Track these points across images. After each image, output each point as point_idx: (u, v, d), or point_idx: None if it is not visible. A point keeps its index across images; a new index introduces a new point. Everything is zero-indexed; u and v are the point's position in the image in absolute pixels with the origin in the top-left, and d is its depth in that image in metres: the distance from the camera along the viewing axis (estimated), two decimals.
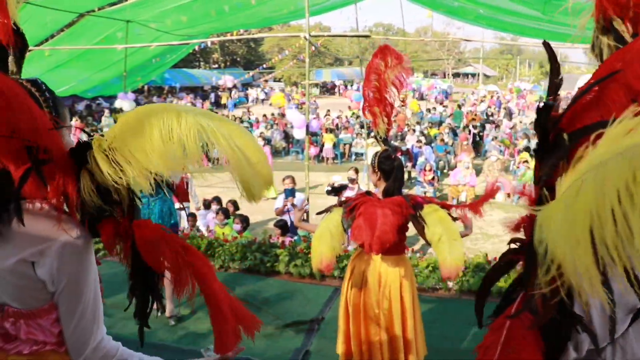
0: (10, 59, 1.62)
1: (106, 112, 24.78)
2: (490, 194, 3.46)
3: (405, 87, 4.13)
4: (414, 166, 14.64)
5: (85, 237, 1.56)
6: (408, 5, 14.43)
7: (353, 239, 3.60)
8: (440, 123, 22.10)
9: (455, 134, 18.52)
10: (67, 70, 17.55)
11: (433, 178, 13.20)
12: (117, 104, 14.97)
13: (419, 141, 16.51)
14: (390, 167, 3.70)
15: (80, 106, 26.76)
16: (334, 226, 3.62)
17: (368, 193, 3.81)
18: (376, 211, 3.46)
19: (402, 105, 25.26)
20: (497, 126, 20.00)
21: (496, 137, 17.72)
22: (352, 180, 8.63)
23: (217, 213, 8.17)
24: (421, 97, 34.53)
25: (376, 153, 3.77)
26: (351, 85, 48.44)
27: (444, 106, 31.80)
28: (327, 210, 3.88)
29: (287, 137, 19.42)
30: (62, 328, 1.59)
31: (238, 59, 55.59)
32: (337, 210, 3.69)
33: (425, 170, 13.29)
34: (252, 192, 1.62)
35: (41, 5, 12.78)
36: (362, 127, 19.08)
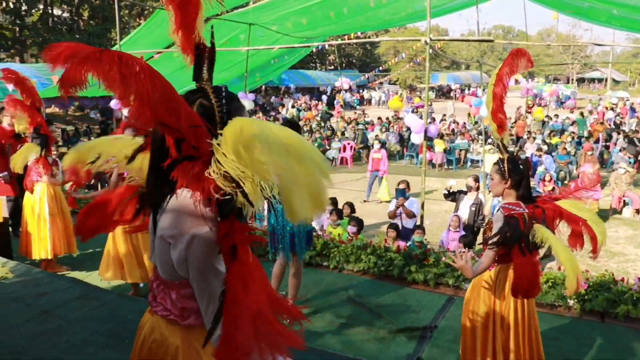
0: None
1: None
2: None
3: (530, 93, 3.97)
4: (532, 176, 14.03)
5: (217, 232, 1.63)
6: (531, 6, 13.86)
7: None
8: (562, 131, 21.03)
9: (579, 143, 17.54)
10: (192, 71, 18.44)
11: (553, 189, 12.57)
12: None
13: (538, 149, 15.80)
14: (522, 173, 3.57)
15: None
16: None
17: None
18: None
19: (528, 112, 24.34)
20: (627, 136, 18.69)
21: (624, 148, 16.59)
22: (470, 188, 8.40)
23: (330, 213, 8.25)
24: (541, 104, 33.04)
25: (504, 159, 3.63)
26: (468, 90, 47.35)
27: (571, 111, 30.24)
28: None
29: (401, 140, 19.28)
30: (189, 305, 1.76)
31: (354, 61, 55.97)
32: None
33: (544, 180, 12.68)
34: (295, 211, 1.53)
35: None
36: (480, 133, 18.58)
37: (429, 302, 5.66)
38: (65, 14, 34.11)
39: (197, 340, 1.77)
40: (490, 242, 3.43)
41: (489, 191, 3.82)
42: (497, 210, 3.56)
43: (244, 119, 1.58)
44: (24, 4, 29.58)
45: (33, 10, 30.65)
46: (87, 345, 3.99)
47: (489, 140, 14.62)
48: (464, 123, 23.66)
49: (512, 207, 3.48)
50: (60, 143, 19.55)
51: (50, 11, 31.71)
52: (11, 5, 29.21)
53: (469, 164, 17.70)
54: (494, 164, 3.68)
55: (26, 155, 6.38)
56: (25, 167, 6.30)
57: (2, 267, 5.38)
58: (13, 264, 5.68)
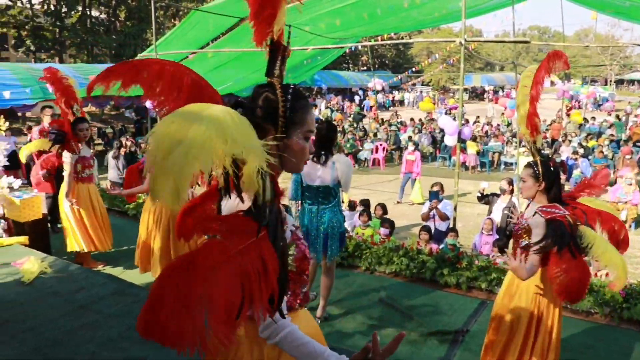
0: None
1: None
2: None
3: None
4: (567, 179, 13.80)
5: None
6: (569, 6, 13.61)
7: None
8: (599, 134, 20.62)
9: (617, 147, 17.17)
10: (226, 71, 18.60)
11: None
12: None
13: (574, 153, 15.54)
14: (554, 176, 3.55)
15: None
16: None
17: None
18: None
19: (567, 114, 23.93)
20: None
21: None
22: (504, 191, 8.30)
23: (361, 214, 8.25)
24: (579, 106, 32.45)
25: (537, 162, 3.59)
26: (502, 91, 46.79)
27: (609, 114, 29.60)
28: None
29: (434, 142, 19.15)
30: None
31: (387, 62, 55.80)
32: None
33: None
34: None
35: (209, 12, 13.66)
36: (514, 135, 18.32)
37: (461, 306, 5.61)
38: (103, 15, 34.76)
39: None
40: (538, 246, 3.40)
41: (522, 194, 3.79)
42: (534, 214, 3.52)
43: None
44: (64, 5, 30.24)
45: (72, 12, 31.30)
46: (122, 340, 4.06)
47: (523, 143, 14.42)
48: (498, 125, 23.38)
49: (551, 210, 3.44)
50: (98, 142, 19.94)
51: (88, 12, 32.33)
52: (52, 7, 29.88)
53: (502, 166, 17.48)
54: (526, 166, 3.65)
55: (31, 148, 6.89)
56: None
57: (41, 262, 5.50)
58: (52, 260, 5.82)
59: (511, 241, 3.93)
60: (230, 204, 1.71)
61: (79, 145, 6.30)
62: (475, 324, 5.21)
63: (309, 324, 2.05)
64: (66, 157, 6.23)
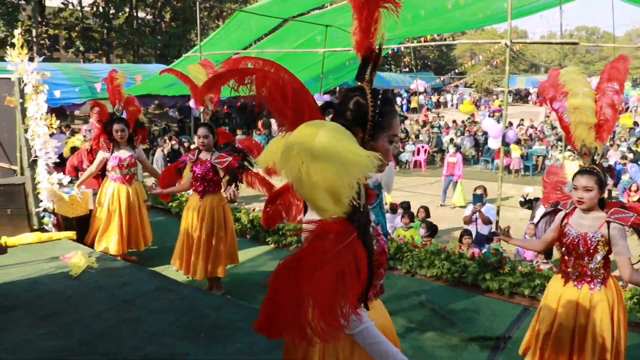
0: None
1: None
2: None
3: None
4: (615, 185, 13.43)
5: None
6: (620, 5, 13.24)
7: None
8: None
9: None
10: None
11: (639, 200, 11.97)
12: None
13: (623, 157, 15.12)
14: (606, 182, 3.48)
15: None
16: None
17: None
18: None
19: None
20: None
21: None
22: None
23: (402, 216, 8.20)
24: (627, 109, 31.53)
25: (602, 170, 3.49)
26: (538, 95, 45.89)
27: None
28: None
29: (477, 144, 18.89)
30: None
31: (429, 63, 55.37)
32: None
33: (629, 190, 12.10)
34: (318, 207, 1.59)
35: (252, 13, 13.78)
36: (559, 139, 17.95)
37: (503, 312, 5.52)
38: (149, 17, 35.45)
39: None
40: None
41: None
42: (609, 224, 3.43)
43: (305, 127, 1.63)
44: (112, 7, 30.98)
45: (120, 14, 32.03)
46: (164, 336, 4.13)
47: (569, 147, 14.09)
48: (542, 128, 22.93)
49: (624, 215, 3.39)
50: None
51: (135, 14, 33.03)
52: (101, 9, 30.65)
53: (546, 170, 17.14)
54: (588, 173, 3.48)
55: (70, 144, 7.00)
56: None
57: (88, 257, 5.64)
58: (98, 254, 5.96)
59: (555, 251, 3.89)
60: None
61: (110, 144, 6.37)
62: (517, 330, 5.12)
63: (383, 315, 2.15)
64: (98, 155, 6.45)
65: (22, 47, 6.48)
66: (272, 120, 22.67)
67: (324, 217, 1.61)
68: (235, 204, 8.45)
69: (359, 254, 1.60)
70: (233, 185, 5.31)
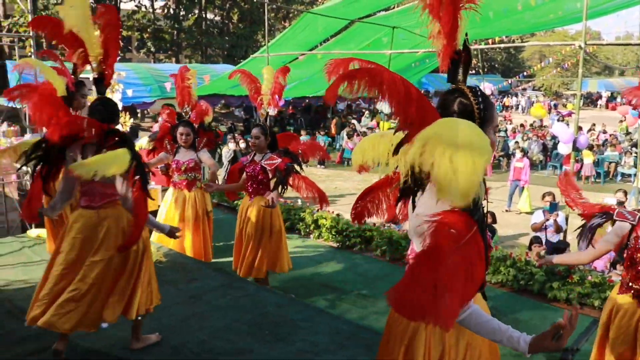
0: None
1: (366, 112, 26.05)
2: None
3: None
4: None
5: None
6: None
7: None
8: None
9: None
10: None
11: None
12: (379, 106, 15.61)
13: None
14: None
15: (342, 106, 28.53)
16: None
17: None
18: None
19: None
20: None
21: None
22: (621, 204, 7.85)
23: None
24: None
25: None
26: (622, 97, 44.10)
27: None
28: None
29: (544, 149, 18.37)
30: None
31: (496, 66, 54.23)
32: None
33: None
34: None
35: (320, 14, 13.87)
36: (634, 145, 17.26)
37: None
38: (217, 18, 36.23)
39: None
40: None
41: None
42: None
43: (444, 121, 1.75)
44: (182, 9, 31.84)
45: (189, 15, 32.88)
46: (229, 332, 4.22)
47: None
48: (614, 133, 22.08)
49: None
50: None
51: (204, 15, 33.82)
52: (171, 11, 31.56)
53: (619, 177, 16.49)
54: None
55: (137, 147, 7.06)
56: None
57: (157, 252, 5.82)
58: (166, 249, 6.12)
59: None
60: (428, 199, 1.96)
61: (174, 147, 6.18)
62: (586, 342, 4.95)
63: (481, 302, 2.22)
64: (160, 154, 6.34)
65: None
66: (354, 121, 22.73)
67: (456, 206, 1.68)
68: (300, 203, 8.54)
69: (481, 246, 1.70)
70: (279, 189, 5.26)
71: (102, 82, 3.69)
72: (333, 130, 21.54)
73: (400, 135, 1.97)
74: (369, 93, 1.81)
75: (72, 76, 4.32)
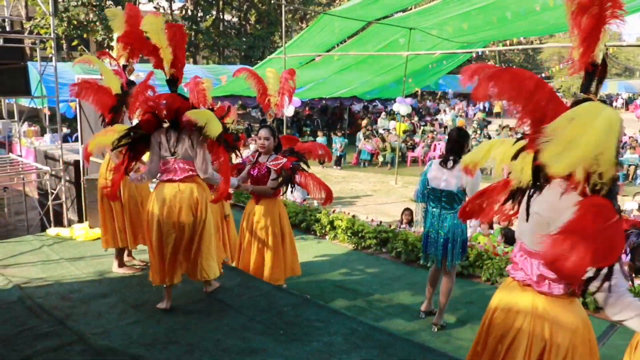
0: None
1: (382, 114, 26.00)
2: None
3: None
4: None
5: None
6: None
7: None
8: None
9: None
10: (350, 73, 18.84)
11: None
12: (395, 107, 15.59)
13: None
14: None
15: (357, 107, 28.49)
16: None
17: None
18: None
19: None
20: None
21: None
22: None
23: (482, 222, 8.05)
24: None
25: None
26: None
27: None
28: None
29: None
30: (545, 274, 2.27)
31: (514, 67, 53.83)
32: None
33: None
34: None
35: (337, 15, 13.88)
36: None
37: None
38: (235, 19, 36.37)
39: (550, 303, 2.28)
40: None
41: None
42: None
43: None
44: (200, 10, 32.03)
45: (207, 16, 33.06)
46: (244, 331, 4.25)
47: None
48: (634, 136, 21.79)
49: None
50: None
51: (221, 16, 33.99)
52: (189, 12, 31.77)
53: (638, 180, 16.31)
54: None
55: None
56: None
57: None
58: None
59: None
60: (550, 197, 2.18)
61: None
62: (602, 347, 4.92)
63: None
64: None
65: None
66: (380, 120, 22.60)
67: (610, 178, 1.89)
68: (316, 204, 8.57)
69: (622, 230, 1.89)
70: (284, 188, 5.25)
71: (172, 82, 4.50)
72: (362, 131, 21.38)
73: (522, 143, 2.18)
74: (511, 95, 1.94)
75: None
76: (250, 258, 5.41)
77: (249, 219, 5.40)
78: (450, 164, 4.89)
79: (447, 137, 5.74)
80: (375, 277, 6.59)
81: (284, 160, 5.18)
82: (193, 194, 4.39)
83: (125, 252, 5.75)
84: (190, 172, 4.41)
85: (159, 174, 4.48)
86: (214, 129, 4.11)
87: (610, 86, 46.57)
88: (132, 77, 6.93)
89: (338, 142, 17.78)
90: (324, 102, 23.40)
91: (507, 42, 16.93)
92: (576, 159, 1.79)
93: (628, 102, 46.02)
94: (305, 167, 5.35)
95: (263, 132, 5.29)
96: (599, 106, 1.87)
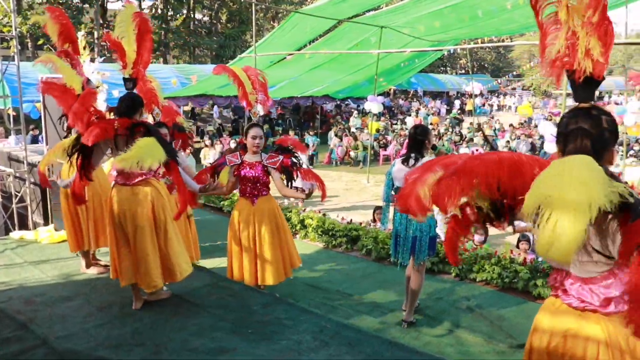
0: None
1: (354, 112, 26.07)
2: None
3: None
4: None
5: None
6: None
7: None
8: None
9: None
10: (322, 72, 18.83)
11: None
12: (367, 106, 15.60)
13: None
14: None
15: (330, 106, 28.52)
16: None
17: None
18: None
19: None
20: None
21: None
22: None
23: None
24: None
25: None
26: (609, 97, 44.39)
27: None
28: None
29: (533, 149, 18.45)
30: (609, 295, 2.11)
31: (486, 65, 54.44)
32: None
33: None
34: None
35: (308, 14, 13.85)
36: (620, 144, 17.35)
37: None
38: (205, 18, 36.14)
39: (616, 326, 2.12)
40: None
41: None
42: None
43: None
44: (170, 9, 31.74)
45: (177, 15, 32.77)
46: (213, 330, 4.20)
47: (631, 152, 13.62)
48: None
49: None
50: (197, 139, 20.68)
51: (192, 15, 33.73)
52: (159, 11, 31.46)
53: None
54: None
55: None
56: None
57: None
58: None
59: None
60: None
61: None
62: None
63: None
64: None
65: (84, 48, 6.68)
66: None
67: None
68: (286, 203, 8.53)
69: None
70: (289, 184, 5.21)
71: (129, 80, 4.39)
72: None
73: None
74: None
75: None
76: (258, 261, 5.22)
77: (250, 220, 5.19)
78: (411, 162, 4.89)
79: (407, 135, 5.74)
80: (345, 275, 6.58)
81: (281, 157, 5.10)
82: (147, 198, 4.34)
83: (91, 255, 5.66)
84: (145, 176, 4.38)
85: (115, 174, 4.45)
86: (153, 159, 3.73)
87: None
88: (97, 76, 6.85)
89: (310, 141, 17.76)
90: (295, 101, 23.37)
91: (479, 41, 17.10)
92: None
93: (597, 99, 46.77)
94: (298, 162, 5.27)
95: (256, 131, 5.12)
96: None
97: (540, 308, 2.37)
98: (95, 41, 27.71)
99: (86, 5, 27.84)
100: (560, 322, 2.26)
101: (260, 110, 5.91)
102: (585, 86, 2.10)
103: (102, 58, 7.41)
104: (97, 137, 3.91)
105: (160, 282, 4.46)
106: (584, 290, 2.17)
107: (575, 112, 2.11)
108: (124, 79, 4.40)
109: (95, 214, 5.43)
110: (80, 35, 6.78)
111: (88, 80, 5.09)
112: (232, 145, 15.74)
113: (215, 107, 25.67)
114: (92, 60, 6.91)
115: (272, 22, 37.06)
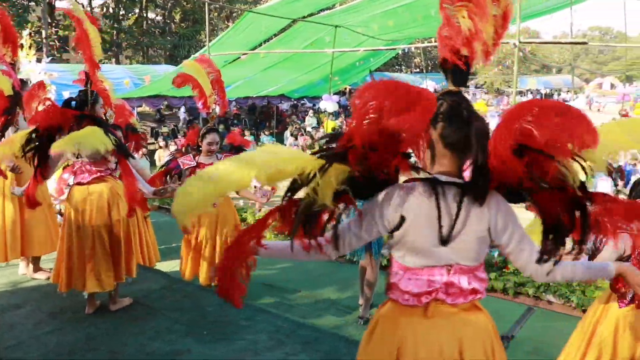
0: None
1: (310, 112, 26.11)
2: None
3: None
4: (625, 186, 13.39)
5: None
6: (634, 4, 13.13)
7: None
8: None
9: None
10: (277, 71, 18.80)
11: None
12: (322, 105, 15.66)
13: (634, 158, 15.04)
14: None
15: (285, 106, 28.49)
16: None
17: None
18: None
19: (624, 117, 23.26)
20: None
21: None
22: None
23: None
24: None
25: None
26: (558, 95, 45.63)
27: None
28: None
29: None
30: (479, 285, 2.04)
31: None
32: None
33: None
34: None
35: (262, 13, 13.81)
36: None
37: (507, 312, 5.50)
38: (158, 18, 35.64)
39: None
40: None
41: None
42: None
43: None
44: (122, 8, 31.17)
45: (130, 15, 32.22)
46: (169, 333, 4.17)
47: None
48: None
49: None
50: (151, 141, 20.38)
51: (144, 15, 33.21)
52: (111, 10, 30.86)
53: None
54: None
55: None
56: None
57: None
58: None
59: None
60: None
61: None
62: (521, 330, 5.11)
63: None
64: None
65: (29, 47, 6.52)
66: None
67: None
68: (242, 204, 8.50)
69: None
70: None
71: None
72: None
73: None
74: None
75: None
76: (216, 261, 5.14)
77: (206, 221, 5.17)
78: None
79: None
80: (302, 274, 6.59)
81: None
82: (102, 196, 4.32)
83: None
84: (99, 174, 4.34)
85: (71, 178, 4.44)
86: (94, 142, 3.84)
87: (529, 82, 48.54)
88: (44, 77, 6.67)
89: (266, 141, 17.73)
90: (251, 101, 23.28)
91: (432, 39, 17.33)
92: None
93: (547, 97, 47.99)
94: None
95: (213, 137, 5.14)
96: None
97: None
98: (44, 40, 26.99)
99: (32, 3, 27.02)
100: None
101: (217, 111, 5.84)
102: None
103: (50, 58, 7.22)
104: (45, 119, 3.92)
105: (112, 283, 4.38)
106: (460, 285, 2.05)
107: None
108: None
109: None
110: (26, 34, 6.62)
111: (24, 81, 5.00)
112: (172, 149, 15.45)
113: (182, 107, 25.32)
114: (39, 60, 6.73)
115: (226, 22, 36.78)
